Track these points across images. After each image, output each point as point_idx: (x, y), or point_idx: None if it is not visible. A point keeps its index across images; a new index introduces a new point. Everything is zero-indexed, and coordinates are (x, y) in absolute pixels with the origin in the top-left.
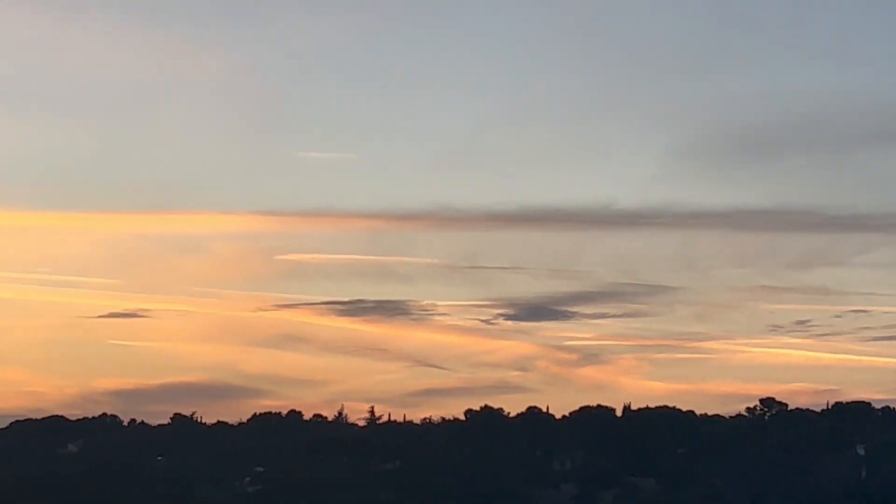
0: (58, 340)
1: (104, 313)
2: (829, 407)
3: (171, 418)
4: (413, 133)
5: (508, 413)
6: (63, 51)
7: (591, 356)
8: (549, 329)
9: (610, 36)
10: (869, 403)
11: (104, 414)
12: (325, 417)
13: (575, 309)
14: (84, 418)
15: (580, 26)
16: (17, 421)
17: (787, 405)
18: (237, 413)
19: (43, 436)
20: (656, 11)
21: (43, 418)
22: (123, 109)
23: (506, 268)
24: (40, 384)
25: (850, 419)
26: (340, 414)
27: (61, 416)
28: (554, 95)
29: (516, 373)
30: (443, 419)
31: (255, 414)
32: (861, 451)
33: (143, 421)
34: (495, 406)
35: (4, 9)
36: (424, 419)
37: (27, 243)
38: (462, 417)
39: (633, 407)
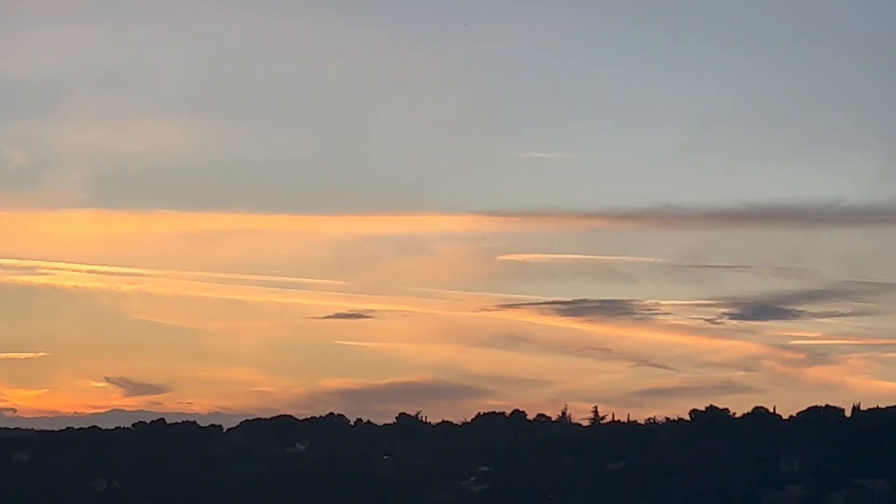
0: (286, 341)
1: (330, 314)
2: None
3: (396, 418)
4: (635, 131)
5: (734, 413)
6: (287, 56)
7: (818, 356)
8: (775, 328)
9: (837, 35)
10: None
11: (331, 413)
12: (549, 417)
13: (801, 308)
14: (311, 417)
15: (808, 25)
16: (246, 420)
17: None
18: (461, 413)
19: (271, 434)
20: (884, 11)
21: (272, 417)
22: (347, 112)
23: (730, 266)
24: (269, 384)
25: None
26: (564, 414)
27: (289, 416)
28: (779, 92)
29: (742, 373)
30: (667, 419)
31: (479, 413)
32: None
33: (368, 420)
34: (720, 406)
35: (229, 16)
36: (649, 419)
37: (256, 246)
38: (687, 417)
39: (863, 407)
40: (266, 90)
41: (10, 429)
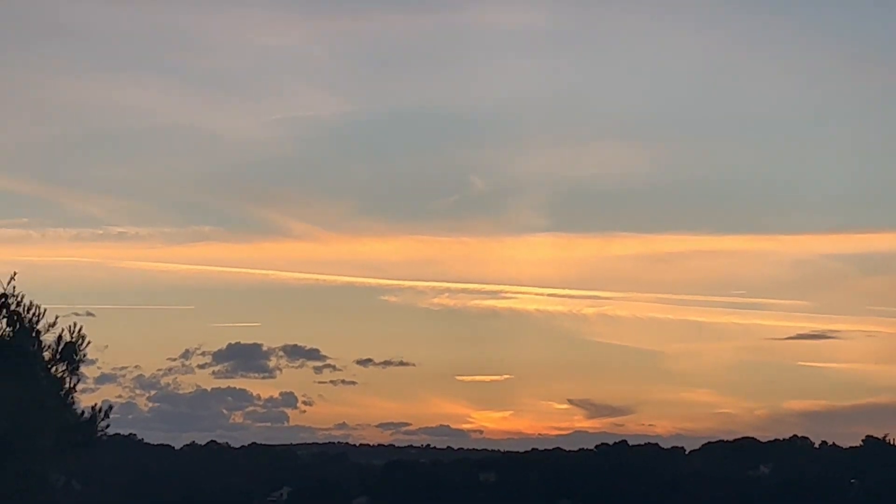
0: (747, 362)
1: (792, 335)
2: None
3: (862, 440)
4: None
5: None
6: (741, 74)
7: None
8: None
9: None
10: None
11: (794, 436)
12: None
13: None
14: (775, 440)
15: None
16: (709, 442)
17: None
18: None
19: (734, 457)
20: None
21: (734, 440)
22: (804, 128)
23: None
24: (731, 406)
25: None
26: None
27: (752, 438)
28: None
29: None
30: None
31: None
32: None
33: (834, 443)
34: None
35: (681, 38)
36: None
37: (715, 266)
38: None
39: None
40: (721, 109)
41: (477, 450)
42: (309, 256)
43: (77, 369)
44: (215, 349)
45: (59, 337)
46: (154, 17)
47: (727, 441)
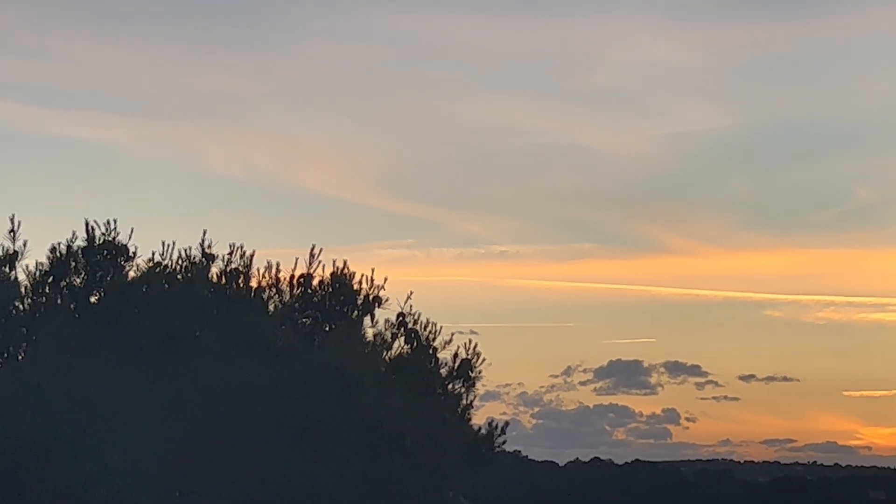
0: None
1: None
2: None
3: None
4: None
5: None
6: None
7: None
8: None
9: None
10: None
11: None
12: None
13: None
14: None
15: None
16: None
17: None
18: None
19: None
20: None
21: None
22: None
23: None
24: None
25: None
26: None
27: None
28: None
29: None
30: None
31: None
32: None
33: None
34: None
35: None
36: None
37: None
38: None
39: None
40: None
41: (866, 467)
42: (690, 272)
43: (473, 386)
44: (597, 366)
45: (455, 354)
46: (533, 35)
47: None
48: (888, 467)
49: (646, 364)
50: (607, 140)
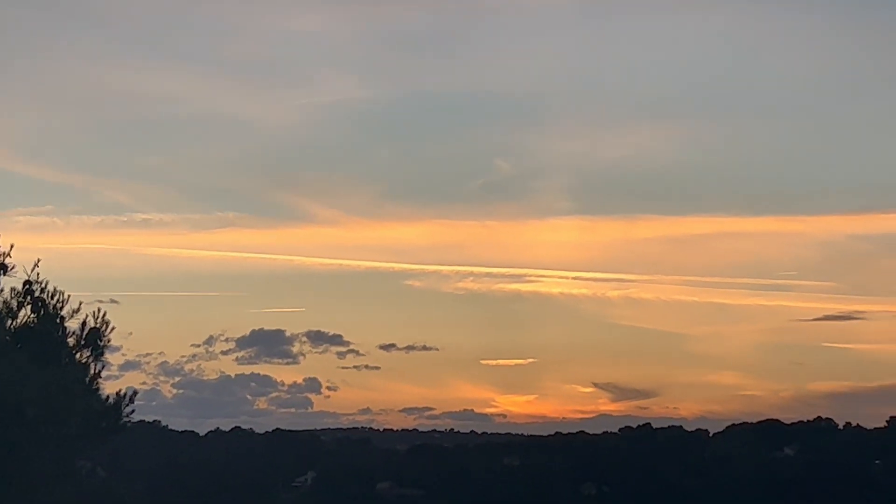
0: (772, 344)
1: (818, 316)
2: None
3: (886, 421)
4: None
5: None
6: (766, 53)
7: None
8: None
9: None
10: None
11: (819, 417)
12: None
13: None
14: (799, 421)
15: None
16: (733, 424)
17: None
18: None
19: (758, 439)
20: None
21: (758, 422)
22: (831, 109)
23: None
24: (755, 388)
25: None
26: None
27: (776, 420)
28: None
29: None
30: None
31: None
32: None
33: (858, 424)
34: None
35: (705, 16)
36: None
37: (741, 248)
38: None
39: None
40: (747, 89)
41: (501, 434)
42: (333, 241)
43: (101, 355)
44: (239, 335)
45: (83, 323)
46: (178, 4)
47: (751, 423)
48: (522, 434)
49: (288, 333)
50: (254, 110)
